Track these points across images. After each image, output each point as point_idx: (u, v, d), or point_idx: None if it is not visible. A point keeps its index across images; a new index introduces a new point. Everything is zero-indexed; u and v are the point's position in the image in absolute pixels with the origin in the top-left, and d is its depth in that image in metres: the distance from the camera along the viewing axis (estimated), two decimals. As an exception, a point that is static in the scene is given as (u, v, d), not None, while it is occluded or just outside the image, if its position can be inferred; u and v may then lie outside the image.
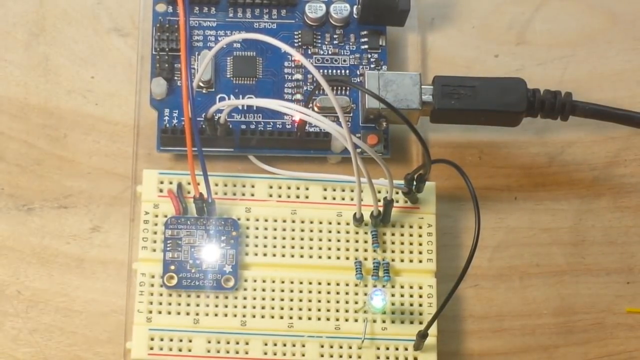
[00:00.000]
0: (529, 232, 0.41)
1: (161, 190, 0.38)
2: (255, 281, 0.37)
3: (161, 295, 0.37)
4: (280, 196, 0.38)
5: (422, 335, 0.36)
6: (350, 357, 0.37)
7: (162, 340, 0.37)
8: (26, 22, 0.42)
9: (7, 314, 0.38)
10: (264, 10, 0.42)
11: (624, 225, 0.41)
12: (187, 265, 0.37)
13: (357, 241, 0.38)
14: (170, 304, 0.37)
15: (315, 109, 0.40)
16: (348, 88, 0.41)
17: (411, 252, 0.38)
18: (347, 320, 0.37)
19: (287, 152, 0.40)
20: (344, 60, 0.42)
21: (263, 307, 0.37)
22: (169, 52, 0.41)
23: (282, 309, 0.37)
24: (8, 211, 0.40)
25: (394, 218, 0.38)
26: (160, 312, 0.37)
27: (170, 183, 0.38)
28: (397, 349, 0.37)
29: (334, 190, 0.39)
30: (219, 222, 0.38)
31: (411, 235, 0.38)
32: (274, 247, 0.38)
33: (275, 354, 0.37)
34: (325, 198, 0.39)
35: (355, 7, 0.42)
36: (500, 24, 0.44)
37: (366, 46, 0.42)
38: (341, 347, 0.37)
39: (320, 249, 0.38)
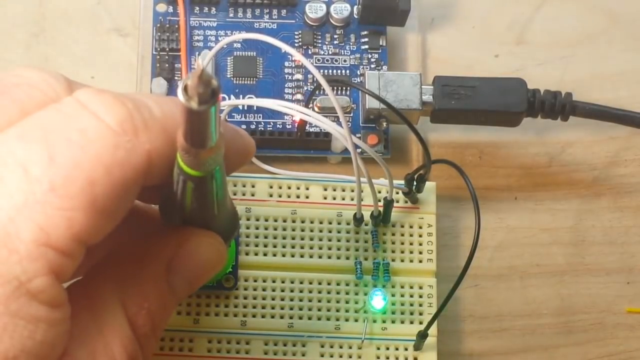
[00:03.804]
0: (529, 232, 0.41)
1: (161, 190, 0.38)
2: (255, 281, 0.37)
3: (161, 295, 0.37)
4: (280, 196, 0.38)
5: (422, 335, 0.36)
6: (350, 357, 0.37)
7: (162, 340, 0.37)
8: (26, 22, 0.42)
9: (8, 314, 0.38)
10: (264, 11, 0.42)
11: (624, 225, 0.41)
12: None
13: (357, 241, 0.38)
14: (170, 304, 0.37)
15: (316, 109, 0.40)
16: (348, 88, 0.41)
17: (411, 252, 0.38)
18: (347, 320, 0.37)
19: (287, 152, 0.40)
20: (344, 61, 0.42)
21: (263, 307, 0.37)
22: (170, 52, 0.41)
23: (282, 309, 0.37)
24: (8, 211, 0.40)
25: (394, 218, 0.38)
26: (160, 312, 0.37)
27: (171, 183, 0.38)
28: (397, 349, 0.37)
29: (334, 190, 0.39)
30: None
31: (411, 235, 0.38)
32: (274, 247, 0.38)
33: (275, 354, 0.37)
34: (325, 198, 0.39)
35: (355, 7, 0.42)
36: (500, 24, 0.44)
37: (366, 46, 0.42)
38: (341, 347, 0.37)
39: (320, 249, 0.38)
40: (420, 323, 0.37)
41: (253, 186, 0.38)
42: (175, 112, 0.26)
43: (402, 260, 0.38)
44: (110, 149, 0.25)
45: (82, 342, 0.26)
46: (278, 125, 0.40)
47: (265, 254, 0.38)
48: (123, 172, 0.25)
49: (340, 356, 0.37)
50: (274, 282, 0.37)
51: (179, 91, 0.23)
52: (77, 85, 0.27)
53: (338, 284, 0.38)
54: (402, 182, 0.38)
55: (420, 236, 0.38)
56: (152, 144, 0.26)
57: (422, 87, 0.39)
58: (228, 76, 0.41)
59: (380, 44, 0.42)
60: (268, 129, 0.40)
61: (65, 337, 0.25)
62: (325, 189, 0.39)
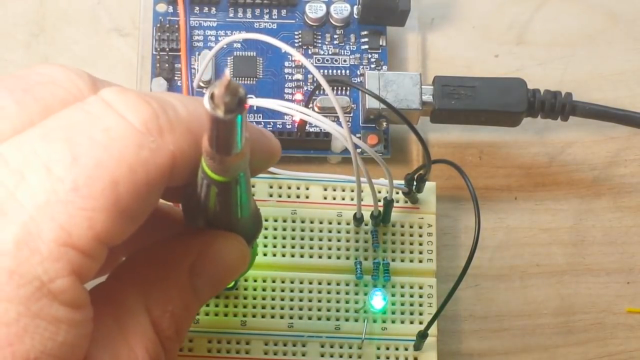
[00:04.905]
0: (529, 232, 0.41)
1: (161, 190, 0.38)
2: (255, 281, 0.37)
3: (161, 295, 0.37)
4: (280, 196, 0.38)
5: (422, 335, 0.36)
6: (350, 357, 0.37)
7: (162, 340, 0.37)
8: (26, 22, 0.42)
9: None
10: (264, 10, 0.42)
11: (624, 225, 0.41)
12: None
13: (357, 241, 0.38)
14: (170, 304, 0.37)
15: (316, 109, 0.40)
16: (348, 88, 0.41)
17: (411, 252, 0.38)
18: (347, 320, 0.37)
19: (287, 152, 0.40)
20: (344, 61, 0.42)
21: (263, 307, 0.37)
22: (169, 52, 0.41)
23: (282, 308, 0.37)
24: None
25: (394, 218, 0.38)
26: (160, 312, 0.37)
27: (171, 183, 0.38)
28: (397, 349, 0.37)
29: (334, 190, 0.39)
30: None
31: (411, 235, 0.38)
32: (274, 247, 0.38)
33: (275, 354, 0.37)
34: (325, 198, 0.39)
35: (355, 7, 0.42)
36: (500, 24, 0.44)
37: (366, 46, 0.42)
38: (341, 347, 0.37)
39: (320, 249, 0.38)
40: (420, 323, 0.37)
41: (253, 186, 0.38)
42: (200, 113, 0.25)
43: (402, 260, 0.38)
44: (135, 149, 0.25)
45: (104, 345, 0.26)
46: (278, 125, 0.40)
47: (265, 254, 0.38)
48: (147, 173, 0.25)
49: (340, 356, 0.37)
50: (274, 282, 0.37)
51: (206, 99, 0.23)
52: (101, 84, 0.27)
53: (338, 284, 0.38)
54: (402, 182, 0.38)
55: (420, 236, 0.38)
56: (177, 144, 0.25)
57: (422, 87, 0.39)
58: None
59: (380, 44, 0.42)
60: (268, 129, 0.40)
61: (87, 339, 0.25)
62: (325, 189, 0.39)
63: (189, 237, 0.29)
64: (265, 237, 0.38)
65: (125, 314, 0.27)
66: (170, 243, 0.29)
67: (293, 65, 0.41)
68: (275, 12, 0.42)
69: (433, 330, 0.37)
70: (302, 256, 0.38)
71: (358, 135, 0.40)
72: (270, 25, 0.42)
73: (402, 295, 0.38)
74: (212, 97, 0.23)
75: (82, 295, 0.25)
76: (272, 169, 0.39)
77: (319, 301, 0.37)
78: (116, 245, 0.25)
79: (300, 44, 0.42)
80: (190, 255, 0.28)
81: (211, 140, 0.24)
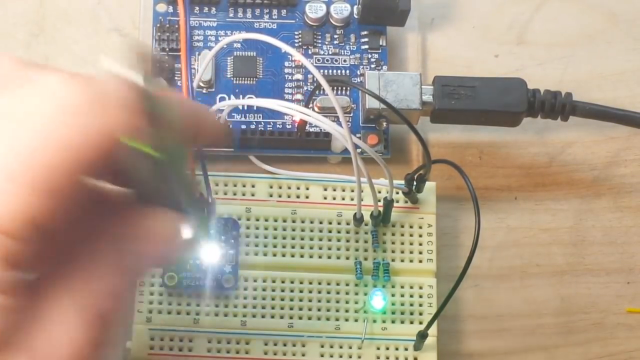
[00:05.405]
0: (529, 232, 0.41)
1: (161, 190, 0.38)
2: (255, 281, 0.37)
3: (161, 294, 0.37)
4: (280, 196, 0.38)
5: (422, 335, 0.36)
6: (350, 357, 0.37)
7: (162, 340, 0.37)
8: (26, 22, 0.42)
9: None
10: (265, 10, 0.42)
11: (624, 225, 0.41)
12: (187, 264, 0.37)
13: (357, 241, 0.38)
14: (170, 303, 0.37)
15: (316, 109, 0.40)
16: (348, 88, 0.41)
17: (411, 252, 0.38)
18: (347, 320, 0.37)
19: (287, 152, 0.40)
20: (344, 61, 0.42)
21: (263, 307, 0.37)
22: (169, 52, 0.41)
23: (282, 309, 0.37)
24: (8, 211, 0.40)
25: (394, 218, 0.38)
26: (160, 312, 0.37)
27: (171, 183, 0.38)
28: (397, 349, 0.37)
29: (334, 190, 0.39)
30: (219, 222, 0.38)
31: (411, 235, 0.38)
32: (274, 247, 0.38)
33: (275, 354, 0.37)
34: (325, 198, 0.39)
35: (355, 7, 0.42)
36: (500, 24, 0.44)
37: (366, 46, 0.42)
38: (341, 347, 0.37)
39: (320, 249, 0.38)
40: (420, 323, 0.37)
41: (253, 186, 0.38)
42: (132, 89, 0.25)
43: (402, 260, 0.38)
44: (66, 130, 0.24)
45: (37, 329, 0.25)
46: (278, 125, 0.40)
47: (265, 254, 0.38)
48: (78, 153, 0.24)
49: (340, 356, 0.37)
50: (274, 282, 0.37)
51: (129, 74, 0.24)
52: (32, 67, 0.26)
53: (338, 284, 0.38)
54: (402, 182, 0.38)
55: (420, 236, 0.38)
56: (110, 123, 0.25)
57: (422, 87, 0.39)
58: (228, 76, 0.41)
59: (380, 44, 0.42)
60: (268, 129, 0.40)
61: (16, 325, 0.24)
62: (325, 189, 0.39)
63: (121, 215, 0.28)
64: (266, 237, 0.38)
65: (55, 296, 0.26)
66: (102, 221, 0.28)
67: (293, 65, 0.41)
68: (275, 12, 0.42)
69: (433, 330, 0.37)
70: (302, 256, 0.38)
71: (358, 135, 0.40)
72: (270, 25, 0.42)
73: (402, 295, 0.38)
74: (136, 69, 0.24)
75: (9, 280, 0.24)
76: (272, 169, 0.39)
77: (319, 301, 0.37)
78: (56, 230, 0.25)
79: (300, 44, 0.42)
80: (122, 232, 0.28)
81: (141, 115, 0.25)
